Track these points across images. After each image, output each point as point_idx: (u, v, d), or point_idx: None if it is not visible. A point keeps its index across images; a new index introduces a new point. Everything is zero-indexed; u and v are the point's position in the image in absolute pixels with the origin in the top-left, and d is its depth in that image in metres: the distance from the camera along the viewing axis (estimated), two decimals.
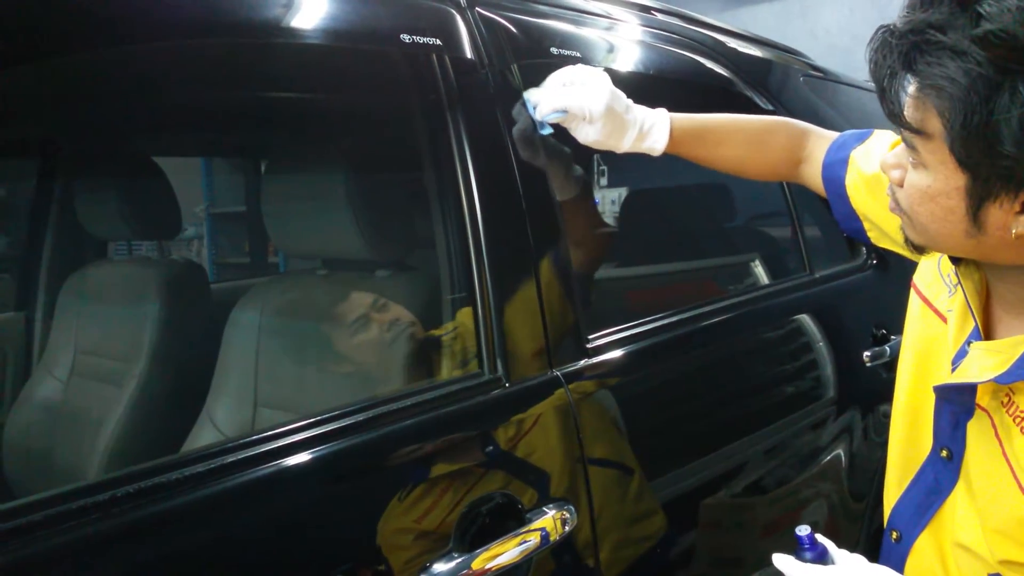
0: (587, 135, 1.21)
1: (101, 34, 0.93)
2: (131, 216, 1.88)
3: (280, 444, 0.97)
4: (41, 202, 2.21)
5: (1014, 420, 0.81)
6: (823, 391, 1.72)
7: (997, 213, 0.74)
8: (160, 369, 1.81)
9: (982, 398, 0.84)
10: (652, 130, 1.22)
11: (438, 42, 1.21)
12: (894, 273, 2.02)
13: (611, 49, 1.60)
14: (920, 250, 0.87)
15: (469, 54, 1.26)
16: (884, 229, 1.13)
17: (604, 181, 4.38)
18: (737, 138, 1.28)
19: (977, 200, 0.74)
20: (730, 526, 1.45)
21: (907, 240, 0.86)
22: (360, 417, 1.04)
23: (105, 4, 0.94)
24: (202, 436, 1.54)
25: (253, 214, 4.48)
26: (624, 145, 1.22)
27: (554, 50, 1.41)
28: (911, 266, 2.13)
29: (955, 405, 0.88)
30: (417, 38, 1.18)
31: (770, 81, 1.95)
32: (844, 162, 1.18)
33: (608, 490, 1.23)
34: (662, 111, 1.24)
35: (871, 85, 2.45)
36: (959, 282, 0.89)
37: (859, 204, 1.16)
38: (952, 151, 0.72)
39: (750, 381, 1.58)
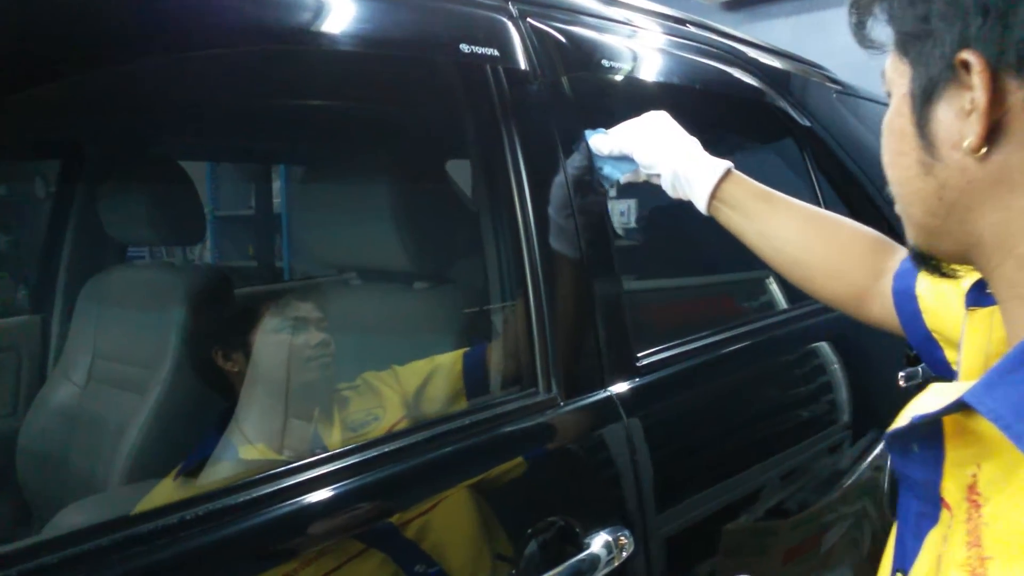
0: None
1: (146, 40, 0.91)
2: (157, 221, 1.85)
3: (323, 471, 0.92)
4: (61, 204, 2.18)
5: (970, 508, 0.57)
6: (866, 411, 1.70)
7: (946, 118, 0.58)
8: (185, 376, 1.77)
9: (948, 483, 0.60)
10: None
11: (495, 52, 1.19)
12: None
13: (653, 61, 1.58)
14: (928, 262, 0.67)
15: (523, 65, 1.24)
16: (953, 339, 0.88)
17: (613, 192, 4.36)
18: (806, 212, 1.06)
19: (920, 96, 0.59)
20: (809, 546, 1.43)
21: (912, 254, 0.67)
22: (417, 438, 1.01)
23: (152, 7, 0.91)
24: (231, 445, 1.51)
25: (261, 218, 4.45)
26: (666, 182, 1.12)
27: (604, 62, 1.39)
28: None
29: (919, 498, 0.65)
30: (476, 48, 1.16)
31: (807, 97, 1.94)
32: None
33: (662, 512, 1.20)
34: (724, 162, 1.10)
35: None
36: None
37: (930, 318, 0.92)
38: (895, 42, 0.62)
39: (797, 399, 1.56)
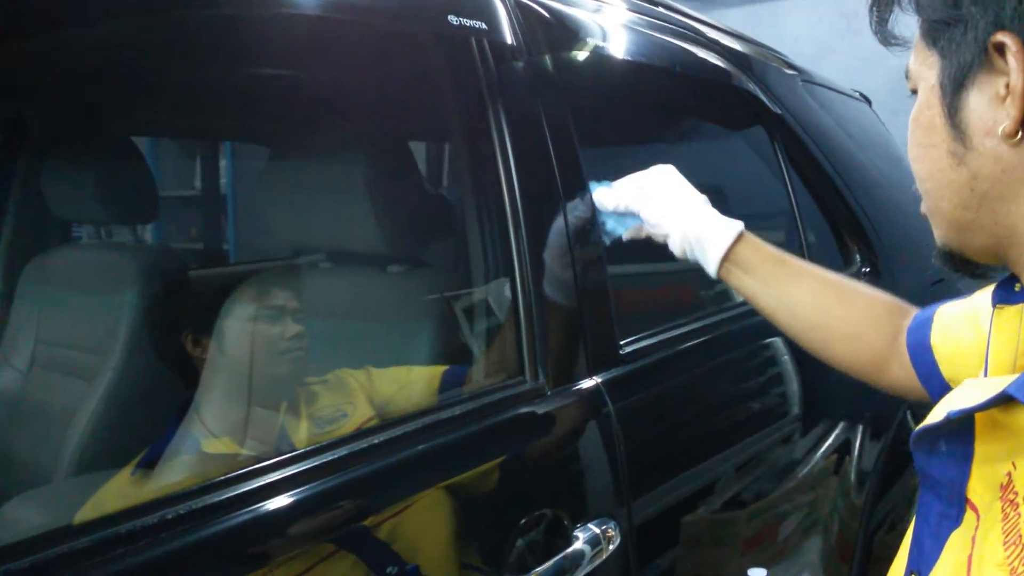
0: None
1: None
2: (106, 198, 1.76)
3: (304, 467, 0.86)
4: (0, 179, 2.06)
5: (1005, 507, 0.55)
6: (830, 398, 1.70)
7: (979, 105, 0.57)
8: (137, 362, 1.69)
9: (975, 483, 0.59)
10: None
11: (483, 25, 1.14)
12: (885, 282, 2.02)
13: (633, 40, 1.55)
14: (957, 262, 0.65)
15: (510, 39, 1.19)
16: None
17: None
18: (821, 275, 1.03)
19: (951, 84, 0.58)
20: (767, 535, 1.43)
21: (939, 254, 0.66)
22: (405, 429, 0.96)
23: None
24: (191, 437, 1.44)
25: (208, 199, 4.32)
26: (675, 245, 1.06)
27: (587, 40, 1.36)
28: (904, 276, 2.12)
29: (941, 498, 0.62)
30: (464, 20, 1.10)
31: (776, 85, 1.93)
32: (930, 320, 0.95)
33: (648, 503, 1.18)
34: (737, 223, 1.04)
35: (852, 91, 2.39)
36: None
37: (946, 368, 0.91)
38: (922, 33, 0.61)
39: (772, 384, 1.56)
